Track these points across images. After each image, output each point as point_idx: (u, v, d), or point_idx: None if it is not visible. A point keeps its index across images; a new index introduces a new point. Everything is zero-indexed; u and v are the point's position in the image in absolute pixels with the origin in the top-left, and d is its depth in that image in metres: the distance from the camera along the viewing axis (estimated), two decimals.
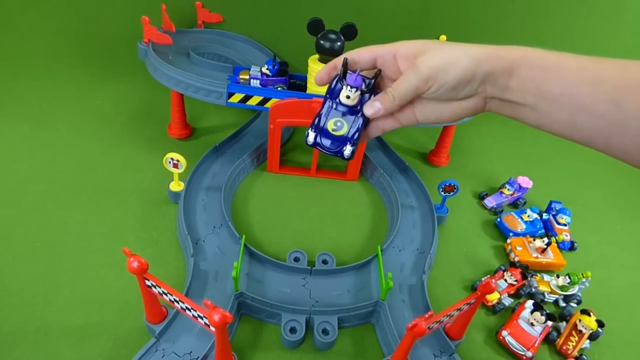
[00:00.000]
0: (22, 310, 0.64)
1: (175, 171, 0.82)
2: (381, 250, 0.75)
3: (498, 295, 0.74)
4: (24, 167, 0.88)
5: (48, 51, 1.20)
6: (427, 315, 0.50)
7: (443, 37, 1.19)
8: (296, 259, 0.75)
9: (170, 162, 0.80)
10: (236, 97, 0.86)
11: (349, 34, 0.78)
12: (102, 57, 1.22)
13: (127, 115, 1.08)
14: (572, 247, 0.90)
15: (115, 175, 0.90)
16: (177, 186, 0.85)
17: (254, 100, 0.86)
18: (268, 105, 0.86)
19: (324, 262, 0.76)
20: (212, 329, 0.50)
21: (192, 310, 0.52)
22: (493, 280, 0.55)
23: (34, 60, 1.19)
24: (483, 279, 0.77)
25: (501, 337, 0.68)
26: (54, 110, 1.05)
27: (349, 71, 0.40)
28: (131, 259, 0.53)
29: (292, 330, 0.64)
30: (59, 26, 1.19)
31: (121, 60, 1.21)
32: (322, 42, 0.77)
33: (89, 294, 0.67)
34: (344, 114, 0.41)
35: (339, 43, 0.77)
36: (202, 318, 0.51)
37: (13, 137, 0.95)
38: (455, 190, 0.84)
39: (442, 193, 0.85)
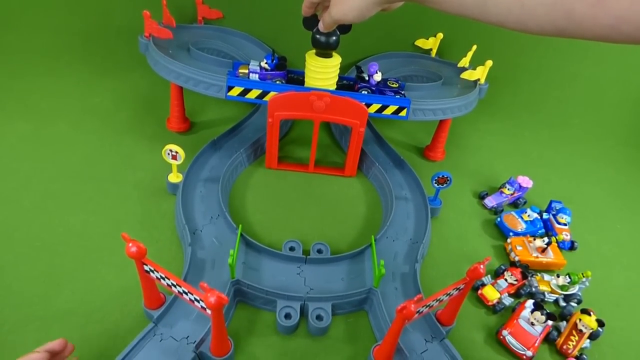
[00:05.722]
0: (23, 310, 0.64)
1: (174, 163, 0.83)
2: (375, 240, 0.76)
3: (498, 295, 0.75)
4: (24, 166, 0.88)
5: (48, 49, 1.21)
6: (416, 299, 0.52)
7: (440, 35, 1.21)
8: (291, 249, 0.77)
9: (169, 154, 0.82)
10: (235, 91, 0.87)
11: (344, 28, 0.80)
12: (102, 54, 1.23)
13: (127, 112, 1.09)
14: (572, 246, 0.90)
15: (115, 173, 0.90)
16: (175, 178, 0.87)
17: (253, 94, 0.87)
18: (267, 98, 0.87)
19: (319, 251, 0.77)
20: (209, 311, 0.52)
21: (188, 293, 0.54)
22: (481, 266, 0.57)
23: (34, 58, 1.19)
24: (483, 279, 0.78)
25: (501, 337, 0.68)
26: (54, 108, 1.06)
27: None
28: (130, 244, 0.54)
29: (287, 316, 0.66)
30: (59, 24, 1.20)
31: (121, 57, 1.22)
32: (317, 36, 0.79)
33: (90, 293, 0.68)
34: None
35: (334, 37, 0.79)
36: (198, 302, 0.53)
37: (13, 135, 0.95)
38: (448, 182, 0.86)
39: (435, 185, 0.87)
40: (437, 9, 0.47)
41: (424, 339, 0.64)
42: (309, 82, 0.87)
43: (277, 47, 1.14)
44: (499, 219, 0.92)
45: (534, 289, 0.78)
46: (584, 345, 0.70)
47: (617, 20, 0.34)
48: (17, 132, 0.97)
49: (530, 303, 0.72)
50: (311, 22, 0.77)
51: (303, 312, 0.67)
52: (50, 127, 1.00)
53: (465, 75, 1.02)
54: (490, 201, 0.97)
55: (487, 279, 0.79)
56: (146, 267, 0.57)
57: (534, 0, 0.38)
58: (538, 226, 0.91)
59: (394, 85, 0.92)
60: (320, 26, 0.72)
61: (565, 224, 0.92)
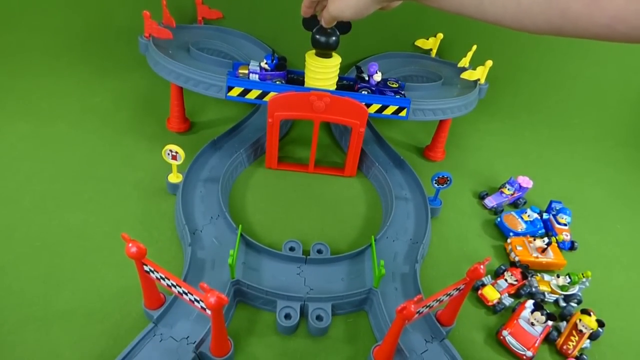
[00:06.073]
0: (23, 310, 0.64)
1: (174, 163, 0.83)
2: (375, 241, 0.76)
3: (498, 295, 0.75)
4: (24, 166, 0.88)
5: (48, 49, 1.20)
6: (416, 299, 0.52)
7: (440, 35, 1.21)
8: (291, 249, 0.77)
9: (169, 154, 0.82)
10: (235, 91, 0.87)
11: (344, 28, 0.80)
12: (102, 54, 1.23)
13: (127, 112, 1.09)
14: (572, 246, 0.90)
15: (115, 173, 0.90)
16: (175, 178, 0.87)
17: (253, 94, 0.87)
18: (267, 98, 0.87)
19: (319, 251, 0.77)
20: (209, 312, 0.52)
21: (188, 294, 0.54)
22: (481, 266, 0.57)
23: (34, 58, 1.19)
24: (484, 279, 0.78)
25: (501, 337, 0.68)
26: (54, 108, 1.06)
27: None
28: (130, 244, 0.54)
29: (287, 316, 0.66)
30: (59, 24, 1.20)
31: (121, 57, 1.22)
32: (317, 36, 0.79)
33: (90, 293, 0.68)
34: None
35: (334, 37, 0.79)
36: (198, 302, 0.53)
37: (13, 135, 0.95)
38: (448, 182, 0.86)
39: (435, 185, 0.87)
40: (435, 7, 0.47)
41: (424, 339, 0.64)
42: (309, 82, 0.87)
43: (277, 47, 1.14)
44: (499, 219, 0.92)
45: (534, 289, 0.78)
46: (584, 346, 0.69)
47: (612, 20, 0.34)
48: (17, 132, 0.97)
49: (530, 303, 0.72)
50: (311, 22, 0.77)
51: (303, 312, 0.67)
52: (50, 127, 1.00)
53: (465, 75, 1.02)
54: (490, 201, 0.97)
55: (487, 279, 0.79)
56: (146, 267, 0.57)
57: None
58: (538, 226, 0.91)
59: (394, 85, 0.92)
60: (322, 22, 0.73)
61: (565, 224, 0.92)
